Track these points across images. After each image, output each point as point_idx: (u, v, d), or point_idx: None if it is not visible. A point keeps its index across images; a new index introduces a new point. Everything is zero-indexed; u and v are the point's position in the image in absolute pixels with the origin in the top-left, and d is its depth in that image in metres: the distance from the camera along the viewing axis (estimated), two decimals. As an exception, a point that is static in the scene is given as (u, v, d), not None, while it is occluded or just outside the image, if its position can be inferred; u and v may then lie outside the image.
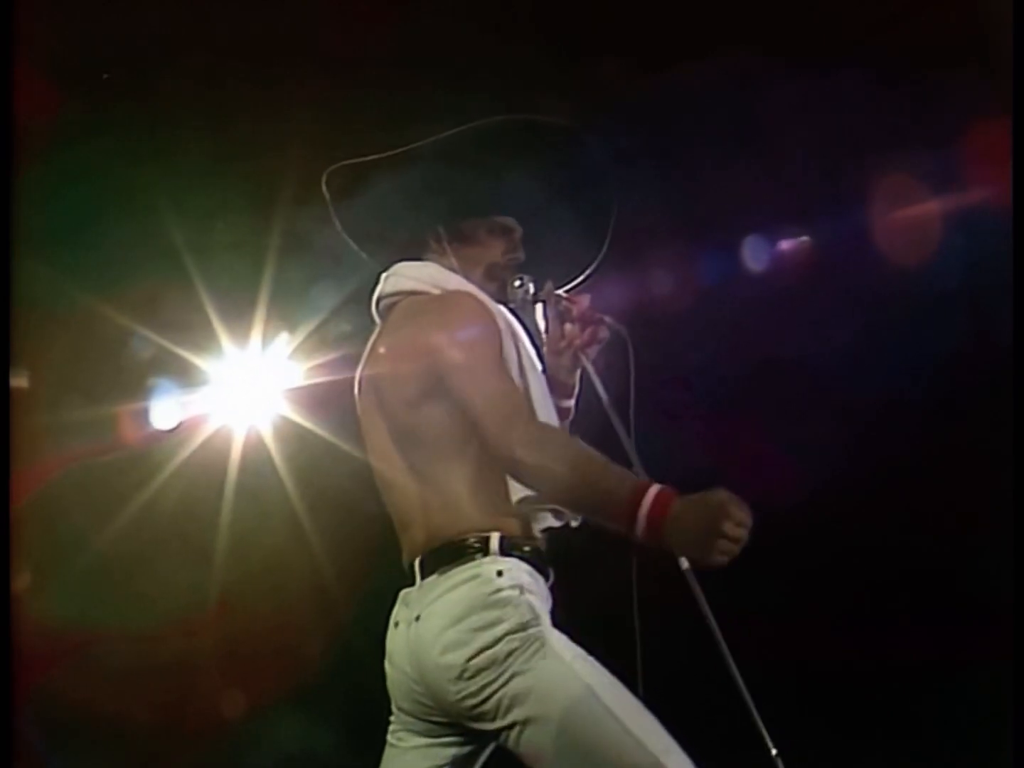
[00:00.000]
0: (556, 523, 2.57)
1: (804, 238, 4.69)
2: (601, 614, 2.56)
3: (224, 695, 4.45)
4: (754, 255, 4.71)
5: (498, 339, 2.54)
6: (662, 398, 4.84)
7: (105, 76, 4.14)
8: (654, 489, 2.24)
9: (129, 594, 4.32)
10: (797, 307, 4.65)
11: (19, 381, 3.90)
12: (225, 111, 4.02)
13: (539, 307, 2.79)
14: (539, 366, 2.70)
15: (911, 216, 4.59)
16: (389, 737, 2.60)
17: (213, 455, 4.43)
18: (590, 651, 2.42)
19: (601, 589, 3.07)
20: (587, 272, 2.84)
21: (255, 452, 4.40)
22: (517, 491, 2.48)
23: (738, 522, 2.19)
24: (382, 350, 2.63)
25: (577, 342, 2.76)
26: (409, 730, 2.56)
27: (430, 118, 2.73)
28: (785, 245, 4.68)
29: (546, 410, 2.60)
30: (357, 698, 2.66)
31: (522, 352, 2.62)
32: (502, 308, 2.68)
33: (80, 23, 3.95)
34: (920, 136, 4.28)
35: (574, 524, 2.61)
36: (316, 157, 2.84)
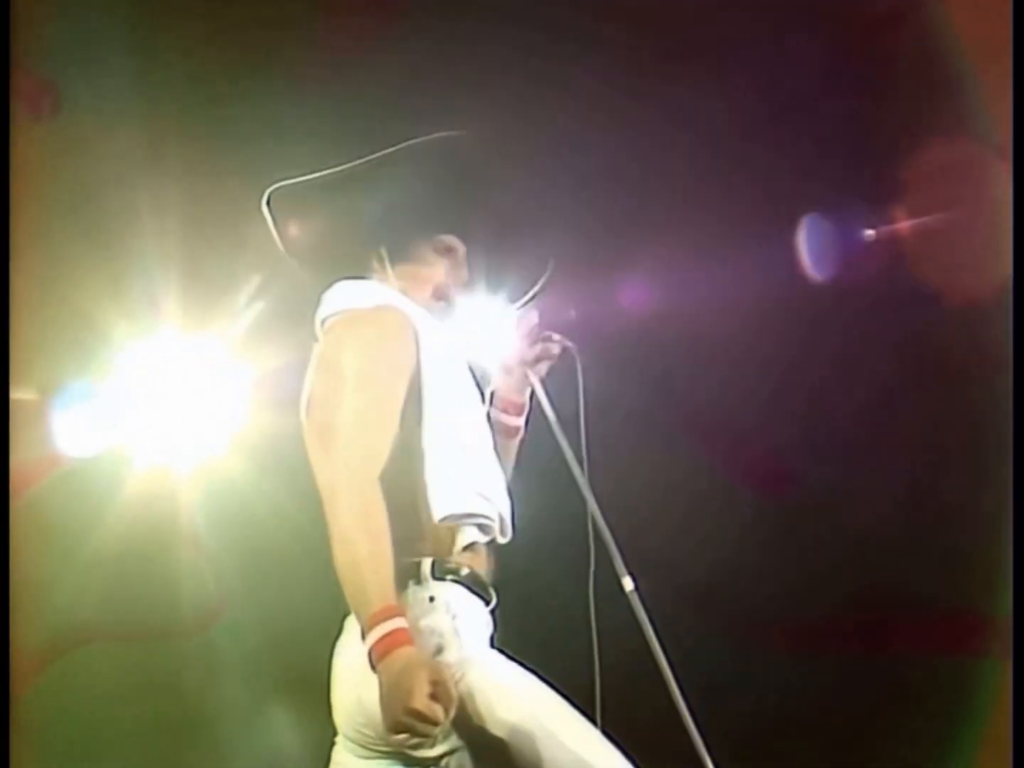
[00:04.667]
0: (482, 538, 2.54)
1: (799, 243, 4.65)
2: (556, 637, 2.55)
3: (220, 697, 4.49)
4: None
5: (407, 366, 2.49)
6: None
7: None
8: (394, 623, 2.18)
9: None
10: (794, 311, 4.63)
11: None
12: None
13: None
14: (473, 386, 2.68)
15: (906, 221, 4.56)
16: (333, 755, 2.57)
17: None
18: (542, 673, 2.42)
19: (556, 611, 3.07)
20: (535, 289, 2.82)
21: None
22: (439, 511, 2.45)
23: (430, 707, 2.11)
24: (313, 369, 2.63)
25: (528, 358, 2.75)
26: (352, 753, 2.54)
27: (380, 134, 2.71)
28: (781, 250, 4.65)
29: (474, 432, 2.59)
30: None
31: (453, 372, 2.59)
32: (438, 327, 2.65)
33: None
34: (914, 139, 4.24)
35: (502, 540, 2.59)
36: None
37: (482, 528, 2.53)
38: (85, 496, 4.19)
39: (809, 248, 4.64)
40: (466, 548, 2.51)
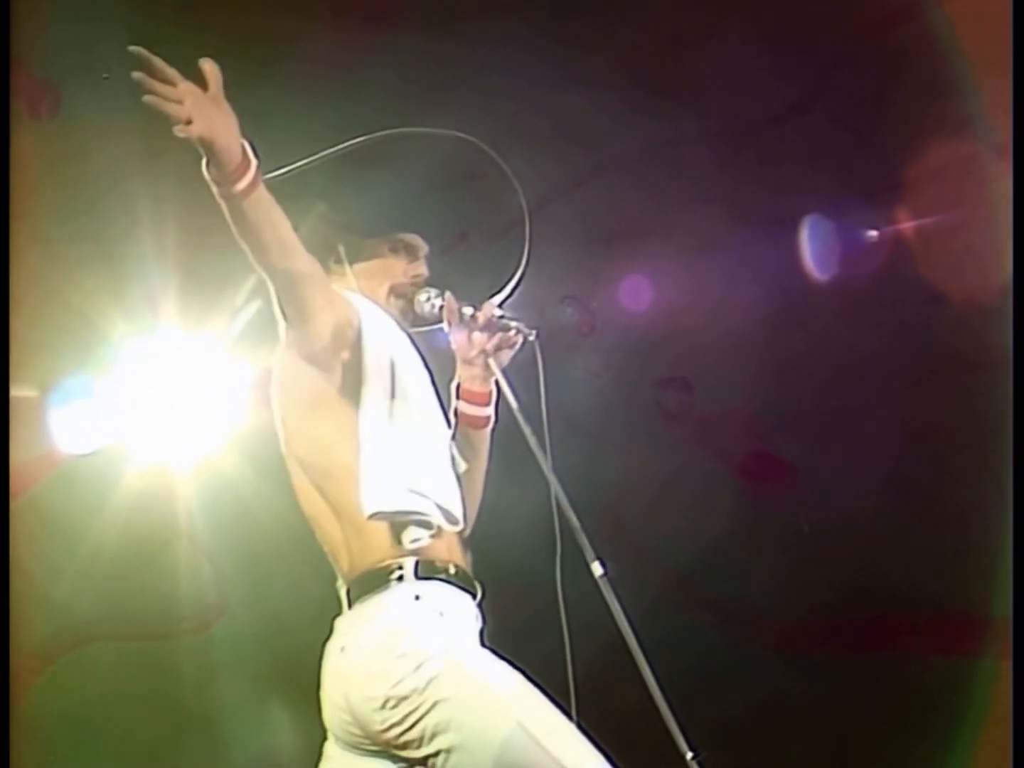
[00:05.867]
0: (424, 534, 2.50)
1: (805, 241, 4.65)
2: (532, 630, 2.54)
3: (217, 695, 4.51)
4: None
5: (342, 312, 2.51)
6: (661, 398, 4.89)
7: (105, 76, 4.13)
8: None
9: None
10: (794, 309, 4.63)
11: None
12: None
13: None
14: (426, 384, 2.69)
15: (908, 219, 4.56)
16: (325, 749, 2.56)
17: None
18: (521, 667, 2.41)
19: (529, 602, 3.05)
20: (513, 283, 2.81)
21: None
22: (368, 507, 2.44)
23: None
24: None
25: (487, 348, 2.74)
26: (342, 751, 2.55)
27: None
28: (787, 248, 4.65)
29: (417, 430, 2.59)
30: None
31: (398, 368, 2.59)
32: (390, 326, 2.66)
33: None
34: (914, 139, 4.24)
35: (453, 529, 2.55)
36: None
37: (422, 524, 2.51)
38: (84, 494, 4.21)
39: (811, 247, 4.65)
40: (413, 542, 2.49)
